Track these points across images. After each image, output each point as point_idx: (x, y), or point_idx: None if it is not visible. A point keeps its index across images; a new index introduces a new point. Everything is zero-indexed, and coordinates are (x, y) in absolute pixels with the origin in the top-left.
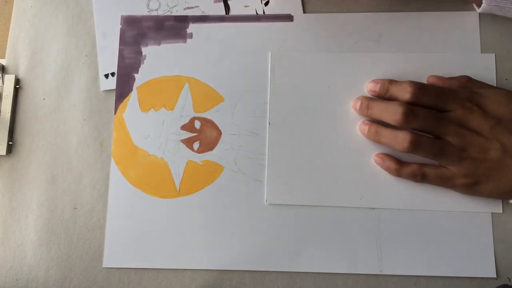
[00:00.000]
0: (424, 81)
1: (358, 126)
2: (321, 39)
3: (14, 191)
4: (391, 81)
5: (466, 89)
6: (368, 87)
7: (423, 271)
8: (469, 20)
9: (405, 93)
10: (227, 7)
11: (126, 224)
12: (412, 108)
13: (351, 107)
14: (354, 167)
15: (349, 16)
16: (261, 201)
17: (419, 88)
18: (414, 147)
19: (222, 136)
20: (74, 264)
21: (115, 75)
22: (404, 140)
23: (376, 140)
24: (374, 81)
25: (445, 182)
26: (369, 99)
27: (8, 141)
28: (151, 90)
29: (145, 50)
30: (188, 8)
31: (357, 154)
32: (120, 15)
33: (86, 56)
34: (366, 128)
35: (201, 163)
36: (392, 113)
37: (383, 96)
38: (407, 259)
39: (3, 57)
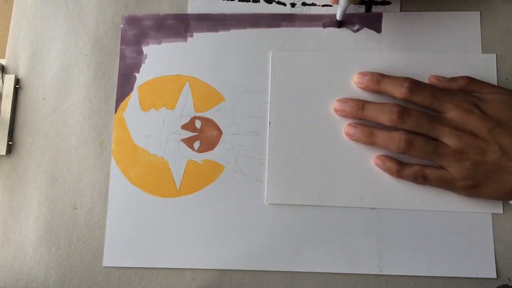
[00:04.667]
0: (425, 81)
1: (343, 129)
2: (321, 39)
3: (14, 191)
4: (383, 75)
5: (464, 91)
6: (355, 79)
7: (423, 271)
8: (470, 20)
9: (401, 88)
10: None
11: (126, 223)
12: (406, 108)
13: (334, 109)
14: (355, 167)
15: None
16: (261, 201)
17: (416, 83)
18: (409, 146)
19: (223, 135)
20: (74, 264)
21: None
22: (399, 140)
23: (369, 141)
24: (362, 72)
25: (445, 184)
26: (361, 100)
27: (8, 141)
28: (152, 90)
29: (146, 49)
30: None
31: (358, 154)
32: (121, 15)
33: (86, 56)
34: (356, 130)
35: (201, 163)
36: (387, 113)
37: (371, 89)
38: (407, 259)
39: (3, 57)
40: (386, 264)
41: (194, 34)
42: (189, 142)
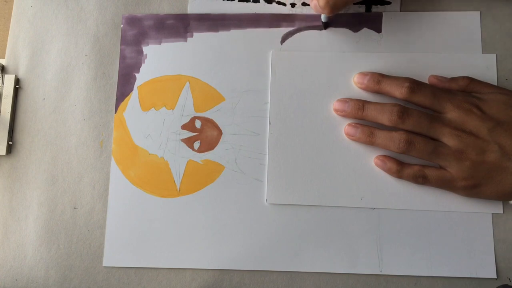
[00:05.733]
0: (425, 81)
1: (343, 129)
2: (321, 39)
3: (14, 191)
4: (384, 75)
5: (464, 91)
6: (355, 79)
7: (424, 271)
8: (470, 20)
9: (402, 88)
10: None
11: (126, 223)
12: (407, 108)
13: (334, 109)
14: (355, 167)
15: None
16: (261, 201)
17: (416, 83)
18: (409, 146)
19: (223, 135)
20: (74, 264)
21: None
22: (399, 140)
23: (369, 141)
24: (362, 72)
25: (445, 184)
26: (361, 100)
27: (8, 141)
28: (152, 89)
29: (146, 49)
30: None
31: (358, 154)
32: (121, 15)
33: (86, 56)
34: (356, 130)
35: (201, 163)
36: (387, 112)
37: (372, 89)
38: (407, 259)
39: (3, 57)
40: (386, 264)
41: (194, 34)
42: (189, 142)
